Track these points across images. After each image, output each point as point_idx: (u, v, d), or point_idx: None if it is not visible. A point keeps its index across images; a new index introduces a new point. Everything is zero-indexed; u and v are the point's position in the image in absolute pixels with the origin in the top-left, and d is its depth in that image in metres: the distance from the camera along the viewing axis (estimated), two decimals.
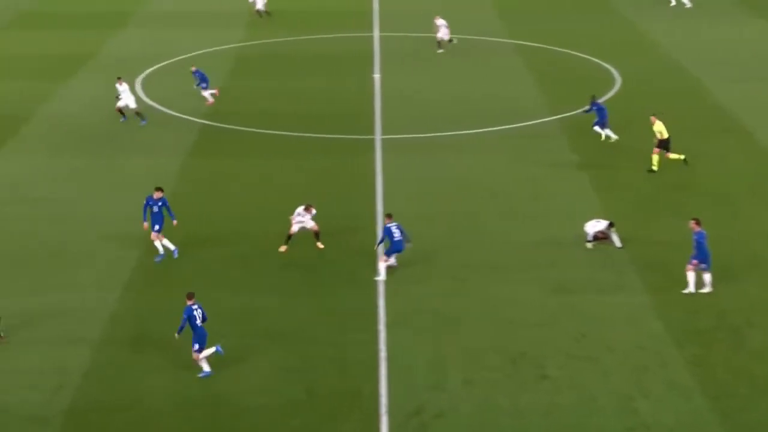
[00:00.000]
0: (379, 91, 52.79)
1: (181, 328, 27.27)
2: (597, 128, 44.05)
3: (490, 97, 50.78)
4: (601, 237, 34.38)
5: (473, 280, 32.26)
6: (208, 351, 27.15)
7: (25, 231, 36.01)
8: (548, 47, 61.25)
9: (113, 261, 33.63)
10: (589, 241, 34.27)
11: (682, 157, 41.08)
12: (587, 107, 45.10)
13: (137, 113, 47.77)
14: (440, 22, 60.58)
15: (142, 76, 55.59)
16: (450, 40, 60.20)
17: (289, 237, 34.06)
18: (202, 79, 50.39)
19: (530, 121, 46.96)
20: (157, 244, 33.67)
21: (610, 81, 53.79)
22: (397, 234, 32.59)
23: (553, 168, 41.45)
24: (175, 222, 34.02)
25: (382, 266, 32.34)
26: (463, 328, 29.38)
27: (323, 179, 40.66)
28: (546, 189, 39.57)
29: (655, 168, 40.71)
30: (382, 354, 27.97)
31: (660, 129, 41.07)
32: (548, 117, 47.92)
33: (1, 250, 34.45)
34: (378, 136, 45.57)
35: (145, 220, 33.91)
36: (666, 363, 27.47)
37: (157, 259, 33.55)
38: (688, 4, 72.33)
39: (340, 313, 30.27)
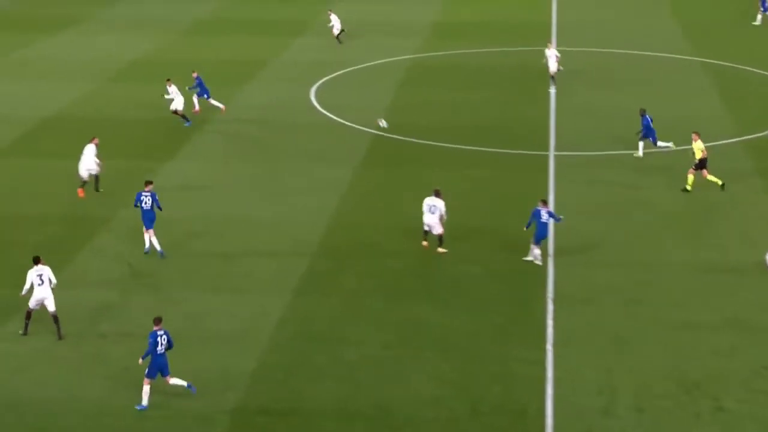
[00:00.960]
0: (554, 106, 52.62)
1: (149, 352, 26.51)
2: None
3: (671, 116, 50.00)
4: None
5: (646, 302, 31.89)
6: (180, 382, 26.66)
7: (195, 232, 37.25)
8: (736, 66, 59.93)
9: (283, 266, 34.52)
10: None
11: (720, 182, 40.26)
12: None
13: (182, 116, 49.27)
14: (550, 52, 56.31)
15: (317, 85, 56.80)
16: (559, 69, 56.17)
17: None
18: (201, 87, 50.87)
19: (713, 141, 46.04)
20: (147, 237, 35.10)
21: None
22: (545, 217, 33.16)
23: (735, 191, 40.57)
24: (160, 209, 35.40)
25: (536, 252, 33.69)
26: (634, 351, 29.07)
27: (495, 195, 40.82)
28: (726, 213, 38.78)
29: (689, 188, 40.10)
30: (549, 374, 27.92)
31: (700, 147, 40.14)
32: (733, 138, 46.92)
33: (175, 251, 35.69)
34: (552, 153, 45.45)
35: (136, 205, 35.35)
36: None
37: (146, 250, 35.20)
38: None
39: (507, 329, 30.36)
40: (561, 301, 31.86)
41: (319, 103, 53.36)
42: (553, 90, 54.93)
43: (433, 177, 41.44)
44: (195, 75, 51.45)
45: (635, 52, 61.93)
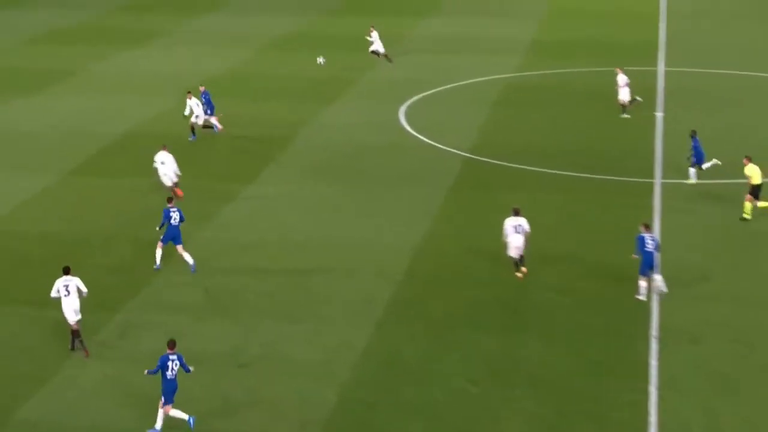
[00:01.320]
0: (661, 131, 52.20)
1: (151, 372, 27.01)
2: None
3: None
4: None
5: (758, 342, 31.40)
6: (180, 414, 26.79)
7: (275, 256, 37.60)
8: None
9: (367, 292, 34.67)
10: None
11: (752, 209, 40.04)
12: None
13: (205, 126, 50.62)
14: (622, 79, 54.44)
15: (406, 104, 57.11)
16: (632, 101, 54.74)
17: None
18: (207, 103, 51.32)
19: None
20: (159, 253, 36.10)
21: None
22: (650, 245, 32.93)
23: None
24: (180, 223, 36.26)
25: (642, 285, 33.39)
26: (744, 395, 28.58)
27: (590, 222, 40.59)
28: None
29: (747, 216, 39.67)
30: (653, 418, 27.54)
31: (751, 173, 39.82)
32: None
33: (254, 275, 36.08)
34: (658, 180, 45.06)
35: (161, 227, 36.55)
36: None
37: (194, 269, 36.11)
38: None
39: (606, 366, 30.07)
40: (665, 338, 31.49)
41: (408, 123, 53.64)
42: (660, 114, 54.44)
43: (525, 202, 41.29)
44: (202, 89, 52.08)
45: (746, 73, 61.12)
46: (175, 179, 43.21)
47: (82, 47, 72.42)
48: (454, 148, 49.30)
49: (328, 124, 53.88)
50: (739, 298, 34.23)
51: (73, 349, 30.77)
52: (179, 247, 36.29)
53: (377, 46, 66.62)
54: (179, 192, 42.69)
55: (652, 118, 54.05)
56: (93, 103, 57.70)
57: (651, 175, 45.58)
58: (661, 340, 31.30)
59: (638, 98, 55.20)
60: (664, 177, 45.36)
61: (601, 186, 44.68)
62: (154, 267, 36.32)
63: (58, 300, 30.82)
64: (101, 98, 58.19)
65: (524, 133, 52.21)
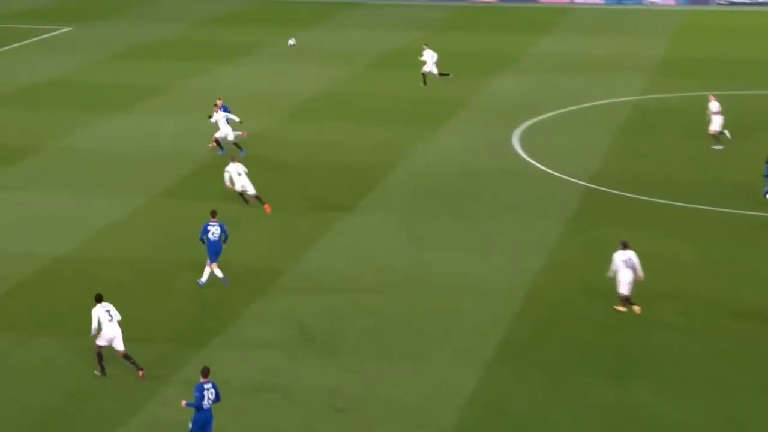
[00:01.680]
0: None
1: (196, 406, 27.30)
2: None
3: None
4: None
5: None
6: None
7: (375, 290, 37.37)
8: None
9: (476, 333, 34.30)
10: None
11: None
12: None
13: (235, 144, 51.40)
14: (714, 106, 52.83)
15: (521, 128, 56.62)
16: (722, 132, 52.83)
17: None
18: (225, 112, 51.87)
19: None
20: (208, 270, 37.29)
21: None
22: None
23: None
24: (227, 238, 37.72)
25: None
26: None
27: (719, 259, 39.70)
28: None
29: None
30: None
31: None
32: None
33: (350, 311, 35.92)
34: None
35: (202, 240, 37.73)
36: None
37: (201, 283, 37.44)
38: None
39: (746, 426, 29.14)
40: None
41: (523, 148, 53.12)
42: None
43: (648, 237, 40.68)
44: (220, 103, 52.47)
45: None
46: (253, 191, 44.52)
47: (171, 62, 73.37)
48: (573, 177, 48.67)
49: (436, 148, 53.69)
50: None
51: (104, 374, 31.33)
52: (214, 265, 37.28)
53: (430, 66, 64.95)
54: (268, 208, 44.25)
55: None
56: (184, 122, 58.24)
57: None
58: None
59: (726, 132, 53.12)
60: None
61: (729, 220, 43.62)
62: (199, 282, 37.43)
63: (98, 332, 31.24)
64: (192, 116, 58.63)
65: (651, 161, 51.40)
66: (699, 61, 72.13)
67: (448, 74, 65.39)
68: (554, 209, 45.04)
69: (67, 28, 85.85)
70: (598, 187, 47.58)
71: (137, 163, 51.84)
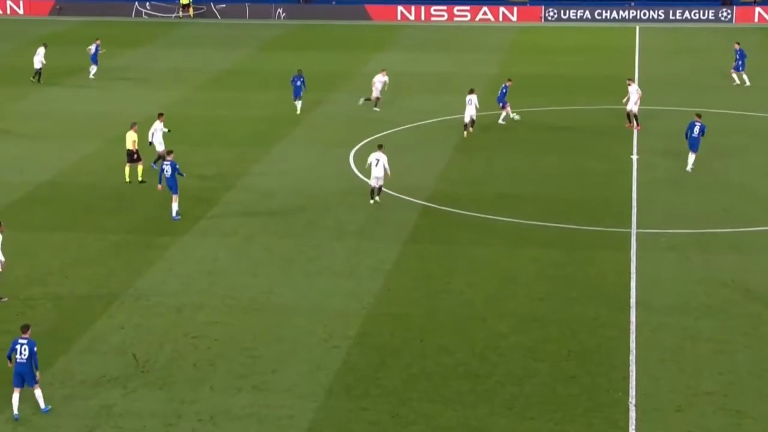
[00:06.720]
0: (636, 176, 51.95)
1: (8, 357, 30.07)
2: None
3: None
4: None
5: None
6: (41, 399, 30.01)
7: (208, 321, 36.86)
8: None
9: (316, 361, 33.92)
10: None
11: None
12: None
13: (160, 157, 51.28)
14: (632, 89, 59.15)
15: (358, 146, 56.61)
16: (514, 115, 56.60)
17: None
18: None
19: None
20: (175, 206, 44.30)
21: None
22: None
23: None
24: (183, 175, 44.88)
25: None
26: None
27: (563, 279, 40.09)
28: None
29: None
30: None
31: None
32: None
33: (190, 343, 35.28)
34: (634, 230, 44.76)
35: (160, 182, 44.85)
36: None
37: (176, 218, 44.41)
38: None
39: None
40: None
41: (359, 168, 53.02)
42: (635, 157, 54.23)
43: (490, 255, 40.92)
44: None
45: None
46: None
47: None
48: (409, 196, 48.82)
49: (272, 169, 53.51)
50: (718, 366, 33.69)
51: None
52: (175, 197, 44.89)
53: (377, 92, 64.60)
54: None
55: (629, 162, 53.78)
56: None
57: (628, 224, 45.22)
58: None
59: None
60: (640, 226, 45.01)
61: (574, 237, 44.30)
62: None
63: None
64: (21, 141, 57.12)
65: (490, 178, 51.92)
66: (533, 78, 73.21)
67: (370, 99, 64.62)
68: (392, 229, 45.04)
69: None
70: (436, 206, 47.77)
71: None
